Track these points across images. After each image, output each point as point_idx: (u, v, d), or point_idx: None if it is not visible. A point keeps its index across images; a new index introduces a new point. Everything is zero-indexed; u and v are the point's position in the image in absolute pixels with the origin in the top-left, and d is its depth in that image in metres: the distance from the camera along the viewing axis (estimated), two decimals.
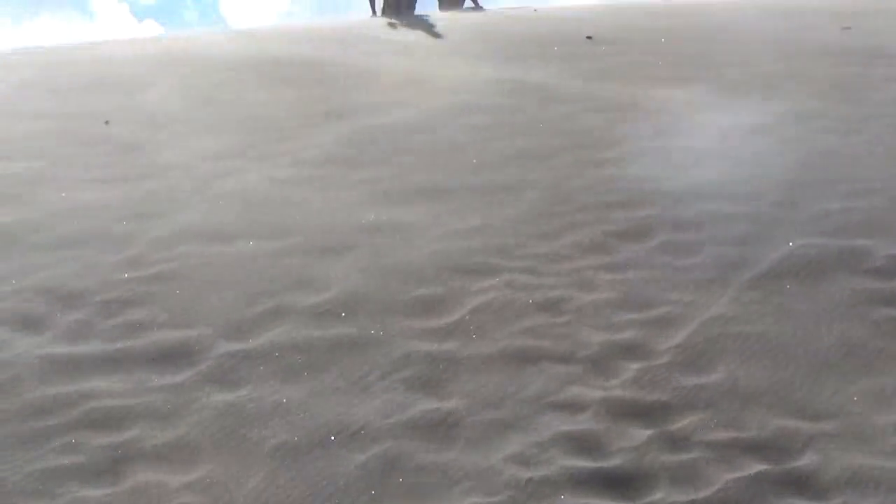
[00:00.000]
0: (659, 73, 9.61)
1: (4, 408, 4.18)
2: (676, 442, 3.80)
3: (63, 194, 6.76)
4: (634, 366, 4.30)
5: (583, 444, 3.82)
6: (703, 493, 3.50)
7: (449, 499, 3.54)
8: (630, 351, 4.43)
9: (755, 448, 3.75)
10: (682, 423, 3.91)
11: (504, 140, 7.60)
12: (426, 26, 13.31)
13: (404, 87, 9.59)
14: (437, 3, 17.23)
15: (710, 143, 7.23)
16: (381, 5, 15.61)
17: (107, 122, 8.59)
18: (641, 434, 3.86)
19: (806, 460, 3.66)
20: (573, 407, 4.06)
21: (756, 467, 3.62)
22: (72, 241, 5.94)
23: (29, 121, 8.81)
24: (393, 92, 9.44)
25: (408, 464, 3.75)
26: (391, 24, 13.85)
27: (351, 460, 3.77)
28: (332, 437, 3.92)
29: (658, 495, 3.51)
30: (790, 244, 5.35)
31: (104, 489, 3.68)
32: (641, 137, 7.46)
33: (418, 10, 15.20)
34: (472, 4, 17.24)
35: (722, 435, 3.83)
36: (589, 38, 11.77)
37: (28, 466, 3.81)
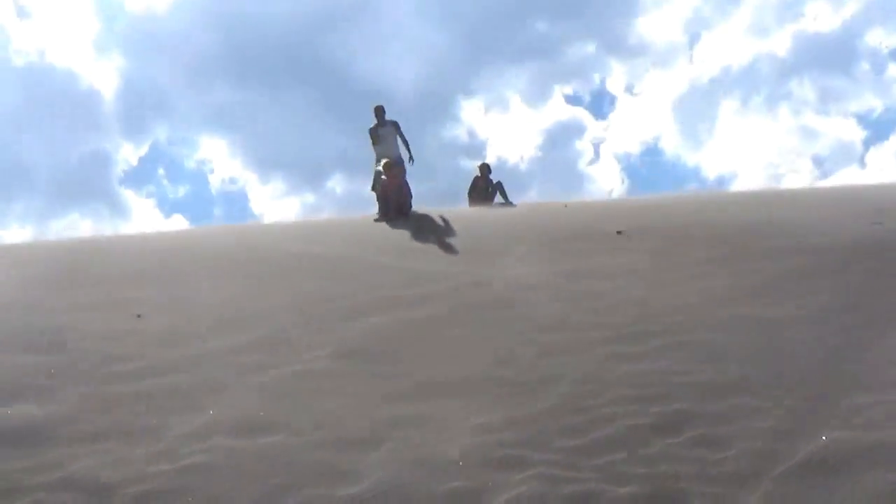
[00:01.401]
0: (687, 271, 10.00)
1: None
2: None
3: (92, 387, 7.08)
4: None
5: None
6: None
7: None
8: None
9: None
10: None
11: (533, 333, 7.92)
12: (445, 226, 13.94)
13: (428, 284, 9.99)
14: (466, 199, 18.00)
15: (741, 336, 7.50)
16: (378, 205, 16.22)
17: (139, 316, 9.00)
18: None
19: None
20: None
21: None
22: (101, 434, 6.23)
23: (60, 313, 9.25)
24: (417, 289, 9.81)
25: None
26: (405, 222, 14.52)
27: None
28: None
29: None
30: (823, 438, 5.53)
31: None
32: (673, 332, 7.73)
33: (441, 209, 15.82)
34: (503, 200, 17.96)
35: None
36: (619, 232, 12.30)
37: None
